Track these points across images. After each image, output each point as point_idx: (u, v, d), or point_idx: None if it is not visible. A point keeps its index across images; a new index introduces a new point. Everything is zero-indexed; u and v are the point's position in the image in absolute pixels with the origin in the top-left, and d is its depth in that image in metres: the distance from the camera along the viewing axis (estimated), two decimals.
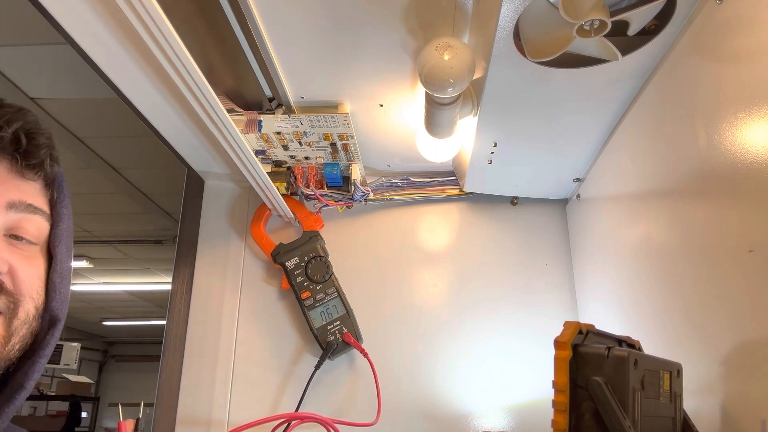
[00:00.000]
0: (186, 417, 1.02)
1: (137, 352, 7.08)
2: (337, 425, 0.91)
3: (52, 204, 0.50)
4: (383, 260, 1.11)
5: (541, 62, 0.66)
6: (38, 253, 0.48)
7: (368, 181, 1.12)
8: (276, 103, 0.89)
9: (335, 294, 1.03)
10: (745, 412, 0.54)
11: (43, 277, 0.48)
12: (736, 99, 0.54)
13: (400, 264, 1.11)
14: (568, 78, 0.71)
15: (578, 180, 1.01)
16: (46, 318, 0.48)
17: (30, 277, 0.46)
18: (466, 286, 1.08)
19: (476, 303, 1.07)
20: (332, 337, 1.01)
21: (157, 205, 3.02)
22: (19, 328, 0.44)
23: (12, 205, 0.45)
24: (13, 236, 0.45)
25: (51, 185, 0.50)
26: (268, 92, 0.86)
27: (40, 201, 0.48)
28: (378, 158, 1.07)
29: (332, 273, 1.04)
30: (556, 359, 0.50)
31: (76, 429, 5.36)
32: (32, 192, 0.47)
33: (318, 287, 1.03)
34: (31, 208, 0.46)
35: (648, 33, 0.64)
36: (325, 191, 1.09)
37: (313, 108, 0.90)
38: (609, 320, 0.89)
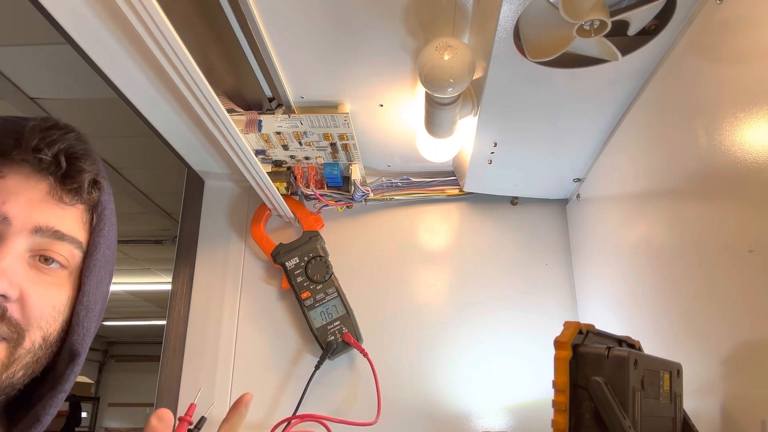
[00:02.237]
0: None
1: (137, 352, 7.07)
2: (337, 424, 0.91)
3: (92, 231, 0.48)
4: (383, 260, 1.11)
5: (541, 62, 0.66)
6: (66, 280, 0.46)
7: (368, 181, 1.12)
8: (276, 103, 0.89)
9: (335, 294, 1.03)
10: (745, 412, 0.54)
11: (60, 306, 0.46)
12: (736, 99, 0.54)
13: (400, 264, 1.11)
14: (568, 78, 0.71)
15: (578, 180, 1.01)
16: (66, 351, 0.46)
17: (42, 305, 0.44)
18: (466, 286, 1.08)
19: (476, 303, 1.07)
20: (332, 337, 1.01)
21: (157, 205, 3.02)
22: (23, 357, 0.43)
23: (38, 230, 0.43)
24: (43, 258, 0.44)
25: (93, 211, 0.49)
26: (268, 92, 0.86)
27: (75, 227, 0.46)
28: (378, 158, 1.07)
29: (332, 273, 1.04)
30: (556, 359, 0.50)
31: (76, 429, 5.36)
32: (67, 217, 0.46)
33: (318, 287, 1.03)
34: (57, 234, 0.44)
35: (648, 33, 0.64)
36: (325, 191, 1.09)
37: (313, 108, 0.90)
38: (609, 320, 0.89)
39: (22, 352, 0.43)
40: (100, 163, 0.48)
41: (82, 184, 0.46)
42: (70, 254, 0.46)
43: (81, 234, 0.47)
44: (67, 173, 0.45)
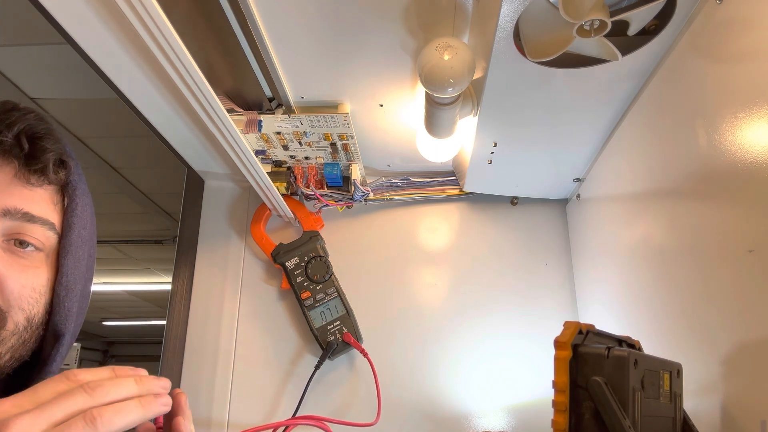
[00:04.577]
0: None
1: (137, 352, 7.07)
2: (337, 425, 0.91)
3: (65, 212, 0.48)
4: (383, 260, 1.11)
5: (541, 62, 0.66)
6: (42, 262, 0.46)
7: (368, 181, 1.12)
8: (276, 103, 0.89)
9: (335, 294, 1.03)
10: (745, 412, 0.54)
11: (40, 288, 0.46)
12: (736, 99, 0.54)
13: (400, 264, 1.11)
14: (568, 78, 0.71)
15: (578, 180, 1.01)
16: (50, 333, 0.46)
17: (20, 287, 0.44)
18: (466, 286, 1.08)
19: (476, 303, 1.07)
20: (332, 337, 1.01)
21: (157, 205, 3.01)
22: (7, 339, 0.43)
23: (7, 213, 0.43)
24: (18, 242, 0.44)
25: (65, 192, 0.48)
26: (268, 92, 0.86)
27: (45, 209, 0.46)
28: (378, 158, 1.07)
29: (332, 273, 1.04)
30: (556, 359, 0.50)
31: None
32: (36, 199, 0.45)
33: (318, 287, 1.03)
34: (27, 216, 0.44)
35: (648, 33, 0.64)
36: (325, 191, 1.09)
37: (313, 108, 0.90)
38: (609, 320, 0.89)
39: (6, 335, 0.43)
40: (64, 142, 0.48)
41: (47, 164, 0.46)
42: (43, 236, 0.46)
43: (53, 215, 0.47)
44: (30, 154, 0.45)
